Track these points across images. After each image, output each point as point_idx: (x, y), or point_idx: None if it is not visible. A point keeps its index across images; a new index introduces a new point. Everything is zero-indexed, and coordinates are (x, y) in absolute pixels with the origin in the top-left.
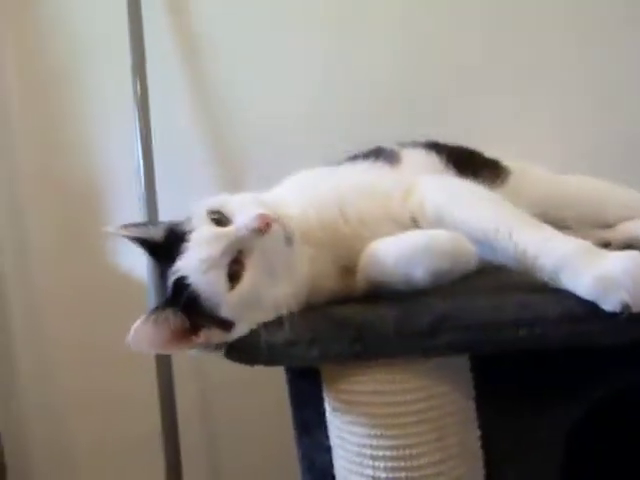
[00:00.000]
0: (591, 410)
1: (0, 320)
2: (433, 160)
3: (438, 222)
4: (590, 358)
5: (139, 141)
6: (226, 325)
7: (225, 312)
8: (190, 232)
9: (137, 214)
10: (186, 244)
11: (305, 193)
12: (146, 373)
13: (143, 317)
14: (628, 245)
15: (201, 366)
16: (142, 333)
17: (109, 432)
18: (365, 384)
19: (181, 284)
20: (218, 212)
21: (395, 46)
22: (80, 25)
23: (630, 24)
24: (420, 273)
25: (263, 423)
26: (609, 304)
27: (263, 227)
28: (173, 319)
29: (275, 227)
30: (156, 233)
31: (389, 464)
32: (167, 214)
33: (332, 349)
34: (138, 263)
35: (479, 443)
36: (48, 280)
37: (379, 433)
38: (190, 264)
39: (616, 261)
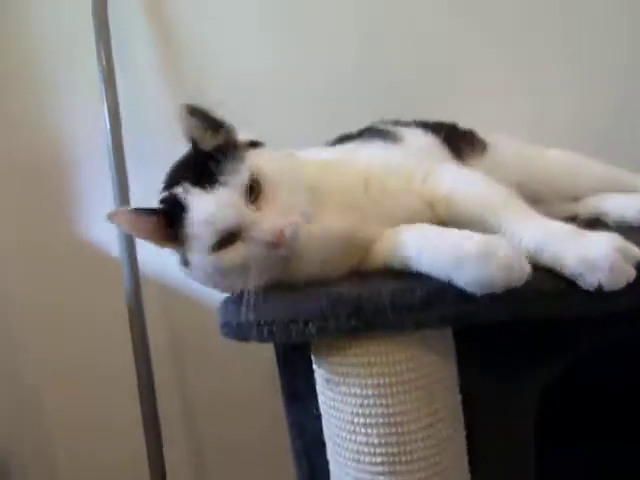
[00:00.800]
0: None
1: None
2: (434, 140)
3: (448, 206)
4: (559, 326)
5: (107, 113)
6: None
7: (191, 260)
8: (226, 175)
9: (107, 186)
10: (216, 184)
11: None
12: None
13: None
14: (593, 219)
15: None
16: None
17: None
18: (358, 357)
19: (182, 207)
20: (256, 182)
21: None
22: None
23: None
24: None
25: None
26: (586, 283)
27: (274, 244)
28: (159, 220)
29: (281, 250)
30: (210, 143)
31: (381, 430)
32: (136, 186)
33: (329, 325)
34: (109, 237)
35: (460, 406)
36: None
37: (372, 402)
38: (202, 208)
39: (597, 243)
